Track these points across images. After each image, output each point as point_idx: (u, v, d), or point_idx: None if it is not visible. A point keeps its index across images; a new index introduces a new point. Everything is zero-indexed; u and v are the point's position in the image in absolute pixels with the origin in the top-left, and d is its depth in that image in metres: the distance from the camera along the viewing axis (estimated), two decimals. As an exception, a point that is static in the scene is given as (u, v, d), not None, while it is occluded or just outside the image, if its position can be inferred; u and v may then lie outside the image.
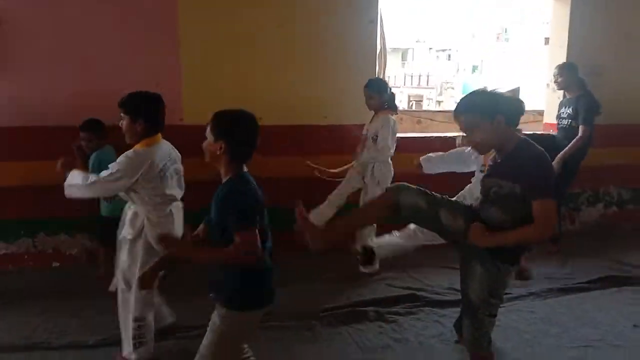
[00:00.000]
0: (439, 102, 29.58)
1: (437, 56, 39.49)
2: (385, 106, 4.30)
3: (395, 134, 4.30)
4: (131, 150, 2.78)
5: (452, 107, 6.57)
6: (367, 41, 4.86)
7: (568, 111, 4.80)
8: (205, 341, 2.18)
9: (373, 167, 4.27)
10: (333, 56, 4.80)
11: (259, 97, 4.64)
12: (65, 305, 3.71)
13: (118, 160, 2.77)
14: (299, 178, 4.51)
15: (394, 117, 4.33)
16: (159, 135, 2.87)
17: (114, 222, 3.27)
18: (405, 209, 2.34)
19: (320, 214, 4.25)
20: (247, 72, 4.64)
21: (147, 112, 2.77)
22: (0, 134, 4.17)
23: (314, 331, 3.41)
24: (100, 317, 3.53)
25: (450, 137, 5.26)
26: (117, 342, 3.15)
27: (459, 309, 3.49)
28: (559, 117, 4.92)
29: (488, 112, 2.22)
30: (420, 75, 34.68)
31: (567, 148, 4.61)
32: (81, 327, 3.42)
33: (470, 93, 2.37)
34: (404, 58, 39.23)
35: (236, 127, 2.12)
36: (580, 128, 4.64)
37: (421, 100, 29.09)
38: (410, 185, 2.41)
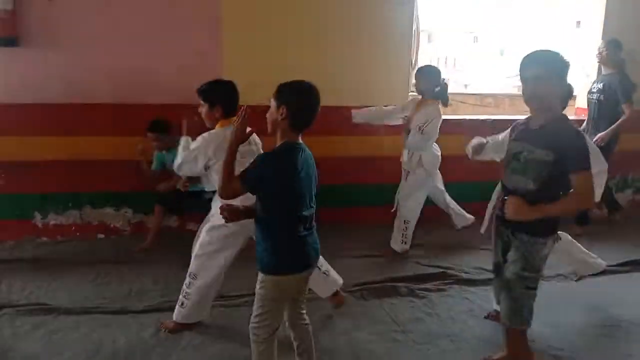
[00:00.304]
0: (465, 86, 29.32)
1: (464, 39, 38.99)
2: (436, 94, 4.24)
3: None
4: (205, 133, 3.00)
5: (481, 90, 6.62)
6: (403, 23, 4.94)
7: (599, 86, 4.94)
8: (254, 306, 2.36)
9: (420, 156, 4.28)
10: (368, 38, 4.90)
11: (294, 77, 4.78)
12: (115, 273, 3.95)
13: (195, 140, 2.98)
14: (329, 157, 4.63)
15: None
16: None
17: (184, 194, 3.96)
18: None
19: None
20: (284, 52, 4.75)
21: (224, 98, 3.00)
22: (50, 110, 4.36)
23: (347, 303, 3.58)
24: (147, 285, 3.79)
25: (482, 119, 5.35)
26: (165, 309, 3.40)
27: (487, 287, 3.68)
28: (590, 92, 5.03)
29: (558, 73, 2.35)
30: (446, 58, 34.34)
31: (614, 125, 4.71)
32: (130, 294, 3.65)
33: (547, 50, 2.43)
34: (429, 40, 38.86)
35: (299, 94, 2.25)
36: (625, 106, 4.74)
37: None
38: None
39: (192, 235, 4.08)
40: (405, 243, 4.48)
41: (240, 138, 2.27)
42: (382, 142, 4.98)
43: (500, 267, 2.71)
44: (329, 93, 4.78)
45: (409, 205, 4.41)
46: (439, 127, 4.25)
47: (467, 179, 4.86)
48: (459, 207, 4.78)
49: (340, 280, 3.41)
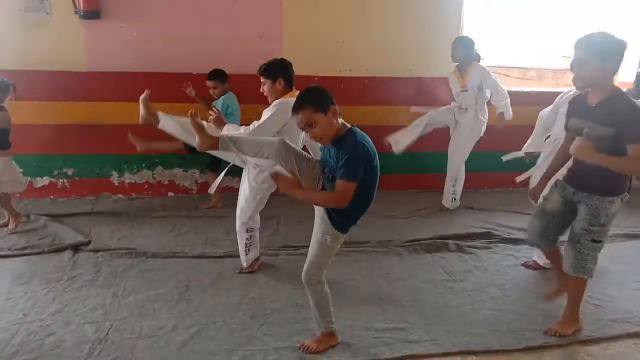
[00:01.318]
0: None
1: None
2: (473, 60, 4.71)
3: None
4: (277, 100, 3.30)
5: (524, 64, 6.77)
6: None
7: None
8: (312, 250, 2.68)
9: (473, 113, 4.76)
10: (419, 10, 5.15)
11: (350, 49, 5.09)
12: (189, 226, 4.40)
13: (266, 110, 3.30)
14: (384, 126, 4.93)
15: None
16: (295, 90, 3.33)
17: None
18: None
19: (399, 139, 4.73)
20: (341, 25, 5.04)
21: (283, 72, 3.32)
22: (127, 77, 4.76)
23: (402, 256, 3.94)
24: (220, 236, 4.21)
25: (526, 92, 5.57)
26: (238, 256, 3.80)
27: (530, 247, 3.97)
28: None
29: (603, 53, 2.55)
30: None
31: None
32: (206, 243, 4.08)
33: (596, 32, 2.62)
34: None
35: None
36: None
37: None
38: None
39: None
40: (455, 200, 4.92)
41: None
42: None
43: (549, 214, 2.98)
44: (381, 65, 5.09)
45: (455, 165, 4.89)
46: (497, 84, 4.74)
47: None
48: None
49: None
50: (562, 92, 3.91)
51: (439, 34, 5.18)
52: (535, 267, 3.84)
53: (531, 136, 4.08)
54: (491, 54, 5.69)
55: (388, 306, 3.19)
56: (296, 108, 2.43)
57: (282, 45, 4.98)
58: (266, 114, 3.29)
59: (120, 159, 4.98)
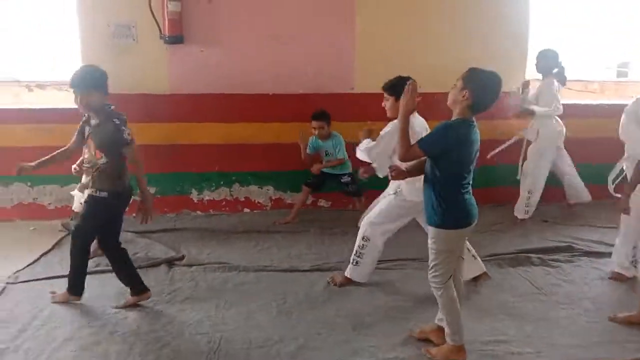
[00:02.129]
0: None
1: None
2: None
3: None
4: (391, 122, 3.43)
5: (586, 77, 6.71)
6: (521, 14, 5.25)
7: None
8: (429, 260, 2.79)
9: (538, 129, 4.92)
10: (488, 28, 5.22)
11: (420, 66, 5.17)
12: (271, 241, 4.54)
13: (383, 130, 3.46)
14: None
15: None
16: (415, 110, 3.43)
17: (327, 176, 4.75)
18: None
19: None
20: (412, 42, 5.16)
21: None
22: (206, 99, 4.98)
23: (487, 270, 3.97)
24: (302, 250, 4.34)
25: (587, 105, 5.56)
26: (325, 269, 3.94)
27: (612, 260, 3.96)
28: None
29: None
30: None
31: None
32: (290, 257, 4.21)
33: None
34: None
35: (485, 83, 2.61)
36: None
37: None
38: None
39: (323, 211, 5.11)
40: (528, 212, 4.94)
41: (411, 108, 2.72)
42: (502, 125, 5.28)
43: None
44: (448, 80, 5.07)
45: (530, 177, 4.92)
46: (553, 99, 4.83)
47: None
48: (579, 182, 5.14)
49: (484, 268, 3.77)
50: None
51: (506, 49, 5.25)
52: (618, 278, 3.82)
53: None
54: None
55: (484, 320, 3.23)
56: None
57: (353, 65, 5.12)
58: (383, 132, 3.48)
59: (200, 177, 5.17)
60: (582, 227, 4.89)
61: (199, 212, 5.23)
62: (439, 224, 2.71)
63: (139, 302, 3.38)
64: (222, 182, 5.21)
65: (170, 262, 4.02)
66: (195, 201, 5.22)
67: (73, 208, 4.24)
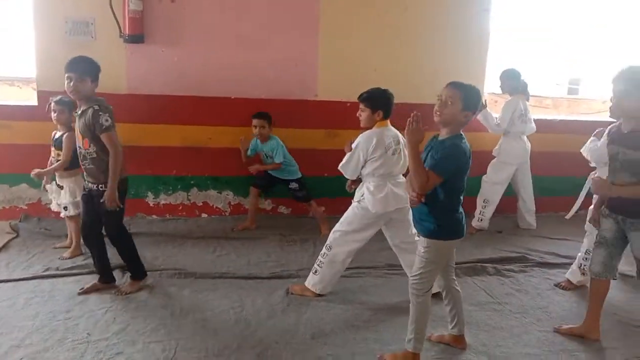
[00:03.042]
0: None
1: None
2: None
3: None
4: (364, 133, 3.48)
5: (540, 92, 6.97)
6: (481, 28, 5.37)
7: None
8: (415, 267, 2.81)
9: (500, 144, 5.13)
10: (448, 40, 5.32)
11: (382, 76, 5.21)
12: (229, 247, 4.47)
13: (354, 143, 3.46)
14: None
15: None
16: (388, 121, 3.50)
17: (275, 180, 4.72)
18: None
19: None
20: (373, 53, 5.20)
21: (384, 105, 3.48)
22: (166, 101, 4.87)
23: (444, 279, 4.02)
24: (262, 257, 4.29)
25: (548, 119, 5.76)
26: (285, 277, 3.91)
27: (564, 270, 4.12)
28: None
29: None
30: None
31: None
32: (249, 264, 4.15)
33: (637, 66, 2.82)
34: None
35: (477, 102, 2.70)
36: None
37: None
38: None
39: (283, 217, 5.08)
40: (481, 221, 5.09)
41: (419, 139, 2.61)
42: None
43: (606, 241, 3.08)
44: (408, 91, 5.22)
45: (487, 188, 5.11)
46: (509, 118, 4.99)
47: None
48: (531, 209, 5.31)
49: None
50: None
51: (465, 62, 5.37)
52: (568, 287, 3.95)
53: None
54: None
55: (442, 329, 3.25)
56: (452, 84, 2.67)
57: (316, 72, 5.12)
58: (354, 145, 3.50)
59: (157, 180, 5.05)
60: (535, 238, 5.04)
61: (154, 216, 5.09)
62: (436, 235, 2.73)
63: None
64: (179, 186, 5.10)
65: (123, 268, 3.88)
66: (151, 205, 5.09)
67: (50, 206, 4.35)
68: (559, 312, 3.60)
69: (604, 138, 3.37)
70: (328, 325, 3.26)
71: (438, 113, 2.65)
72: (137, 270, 3.64)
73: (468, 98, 2.63)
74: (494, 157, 5.15)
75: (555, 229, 5.15)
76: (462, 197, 2.78)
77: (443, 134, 2.71)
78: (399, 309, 3.46)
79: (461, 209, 2.78)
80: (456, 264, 4.13)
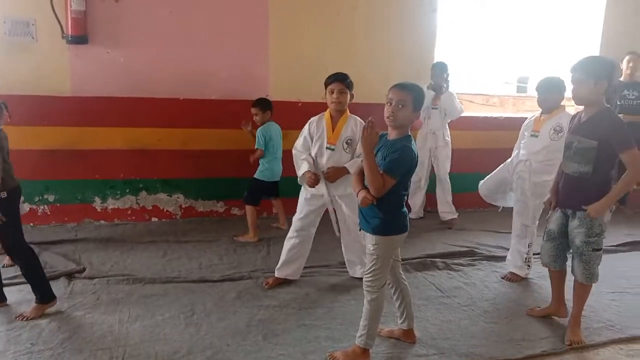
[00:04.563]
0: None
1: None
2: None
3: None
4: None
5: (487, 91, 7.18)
6: (429, 29, 5.49)
7: (635, 94, 5.71)
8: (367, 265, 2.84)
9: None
10: (395, 40, 5.42)
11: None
12: (180, 251, 4.41)
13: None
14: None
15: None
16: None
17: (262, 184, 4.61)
18: None
19: None
20: (324, 49, 5.25)
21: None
22: (112, 103, 4.76)
23: (395, 275, 4.09)
24: (214, 260, 4.25)
25: (492, 117, 5.94)
26: (237, 279, 3.87)
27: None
28: (623, 97, 5.70)
29: (597, 75, 2.87)
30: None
31: None
32: (201, 267, 4.10)
33: (591, 57, 3.00)
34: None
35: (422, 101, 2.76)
36: None
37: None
38: None
39: (236, 219, 5.00)
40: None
41: (374, 142, 2.64)
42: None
43: (553, 234, 3.25)
44: (359, 90, 5.25)
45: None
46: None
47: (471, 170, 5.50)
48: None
49: None
50: (526, 117, 4.27)
51: (414, 61, 5.48)
52: (512, 278, 4.10)
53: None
54: (457, 81, 6.08)
55: (392, 323, 3.30)
56: (400, 86, 2.70)
57: (268, 72, 5.12)
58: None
59: (104, 184, 4.93)
60: (483, 232, 5.19)
61: (102, 222, 4.97)
62: (383, 231, 2.76)
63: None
64: (127, 190, 5.00)
65: (69, 275, 3.78)
66: (99, 210, 4.96)
67: None
68: (505, 303, 3.71)
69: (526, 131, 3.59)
70: (279, 325, 3.25)
71: (391, 118, 2.67)
72: (41, 292, 3.27)
73: (417, 99, 2.69)
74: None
75: (503, 223, 5.29)
76: (407, 194, 2.85)
77: (393, 135, 2.74)
78: (350, 306, 3.50)
79: (404, 205, 2.83)
80: (407, 259, 4.33)
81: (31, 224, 4.76)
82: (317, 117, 3.74)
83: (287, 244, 3.80)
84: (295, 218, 3.78)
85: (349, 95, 3.60)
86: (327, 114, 3.69)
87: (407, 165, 2.69)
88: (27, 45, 4.50)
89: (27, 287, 3.51)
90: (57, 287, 3.60)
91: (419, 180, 5.42)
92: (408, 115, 2.68)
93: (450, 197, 5.45)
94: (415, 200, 5.55)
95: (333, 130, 3.64)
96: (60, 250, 4.26)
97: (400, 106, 2.65)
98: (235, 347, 2.98)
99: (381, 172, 2.65)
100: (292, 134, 4.89)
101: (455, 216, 5.45)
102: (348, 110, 3.67)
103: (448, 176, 5.42)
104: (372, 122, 2.61)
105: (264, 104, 4.62)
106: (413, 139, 2.76)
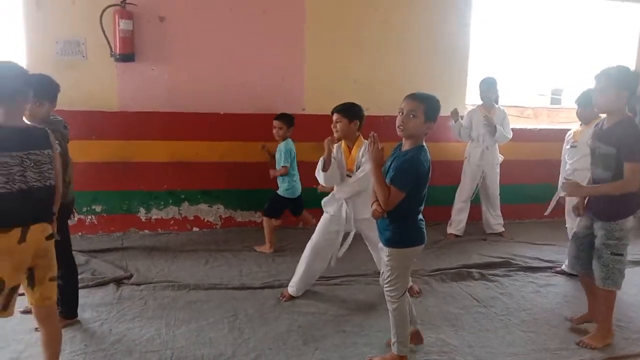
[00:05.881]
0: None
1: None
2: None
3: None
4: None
5: (521, 103, 7.17)
6: (461, 42, 5.56)
7: None
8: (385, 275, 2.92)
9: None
10: (429, 54, 5.51)
11: (365, 90, 5.37)
12: (221, 259, 4.57)
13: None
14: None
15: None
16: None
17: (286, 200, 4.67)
18: None
19: None
20: (358, 65, 5.40)
21: (360, 116, 3.68)
22: (156, 117, 4.98)
23: (430, 285, 4.14)
24: (253, 268, 4.39)
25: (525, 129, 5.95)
26: (276, 286, 3.99)
27: (547, 274, 4.32)
28: None
29: (619, 85, 2.94)
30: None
31: None
32: (241, 275, 4.24)
33: (615, 66, 3.01)
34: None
35: (438, 112, 2.75)
36: None
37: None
38: None
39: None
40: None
41: (380, 156, 2.72)
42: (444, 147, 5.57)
43: (577, 235, 3.32)
44: (390, 106, 5.36)
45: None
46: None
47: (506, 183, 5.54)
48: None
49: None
50: (560, 129, 4.37)
51: (447, 73, 5.56)
52: (563, 272, 4.35)
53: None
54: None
55: (429, 331, 3.37)
56: (412, 96, 2.72)
57: (303, 87, 5.27)
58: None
59: (148, 195, 5.13)
60: (519, 244, 5.21)
61: (146, 231, 5.17)
62: (395, 244, 2.83)
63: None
64: (170, 201, 5.19)
65: (118, 281, 3.97)
66: (143, 220, 5.17)
67: None
68: (542, 313, 3.72)
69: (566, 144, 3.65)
70: (319, 331, 3.35)
71: (402, 127, 2.70)
72: (68, 307, 3.32)
73: (430, 109, 2.69)
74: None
75: (539, 235, 5.33)
76: (422, 207, 2.85)
77: (406, 145, 2.77)
78: (387, 314, 3.56)
79: (421, 217, 2.87)
80: (443, 269, 4.40)
81: (79, 234, 4.99)
82: (338, 143, 3.75)
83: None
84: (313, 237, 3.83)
85: (348, 123, 3.60)
86: (343, 142, 3.75)
87: (413, 175, 2.68)
88: (77, 64, 4.77)
89: (81, 292, 3.72)
90: (107, 292, 3.81)
91: (467, 198, 5.41)
92: (419, 125, 2.68)
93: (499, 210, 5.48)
94: (462, 217, 5.44)
95: (349, 156, 3.71)
96: (108, 258, 4.47)
97: (411, 116, 2.66)
98: (277, 350, 3.09)
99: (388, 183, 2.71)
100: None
101: (504, 228, 5.49)
102: (361, 137, 3.68)
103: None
104: (375, 136, 2.71)
105: (289, 120, 4.68)
106: (427, 150, 2.76)
